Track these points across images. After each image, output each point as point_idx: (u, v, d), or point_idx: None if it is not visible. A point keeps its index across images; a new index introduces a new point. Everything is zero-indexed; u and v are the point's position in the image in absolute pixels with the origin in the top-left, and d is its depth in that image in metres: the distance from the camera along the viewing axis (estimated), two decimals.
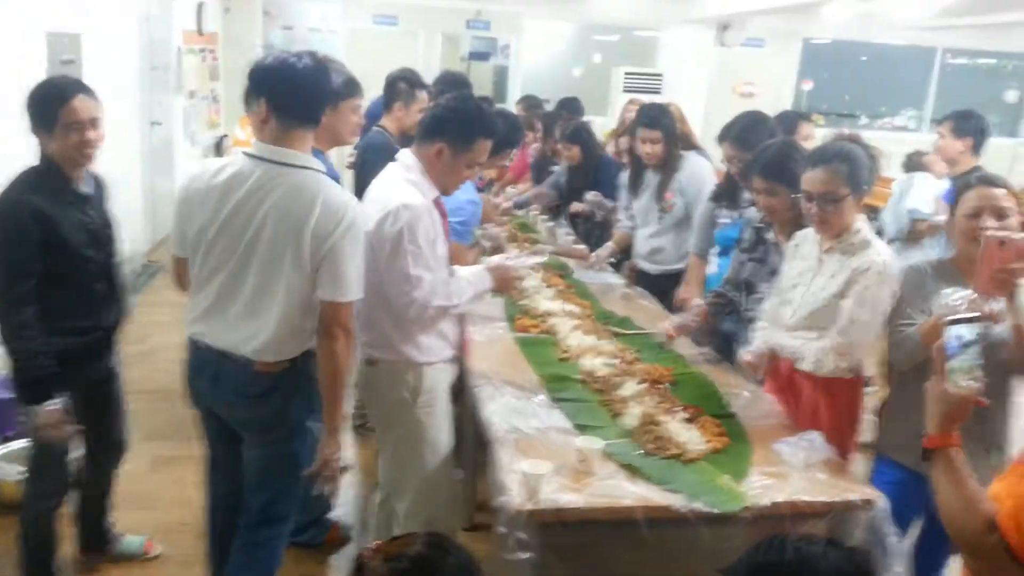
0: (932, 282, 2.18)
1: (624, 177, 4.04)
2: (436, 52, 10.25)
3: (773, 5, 8.43)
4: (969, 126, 3.60)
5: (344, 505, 3.20)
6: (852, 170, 2.30)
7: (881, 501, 1.99)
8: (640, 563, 1.97)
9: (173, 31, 6.94)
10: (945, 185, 4.21)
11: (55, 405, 2.28)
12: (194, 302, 2.19)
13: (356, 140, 3.24)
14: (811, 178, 2.33)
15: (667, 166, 3.67)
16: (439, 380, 2.47)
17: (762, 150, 2.71)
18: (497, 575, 1.86)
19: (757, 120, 3.18)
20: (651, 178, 3.78)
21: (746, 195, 3.10)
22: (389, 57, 9.65)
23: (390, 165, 2.46)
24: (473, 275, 2.50)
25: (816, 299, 2.38)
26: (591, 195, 4.44)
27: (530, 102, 5.84)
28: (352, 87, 2.86)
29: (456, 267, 2.53)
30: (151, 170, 6.79)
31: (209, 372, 2.17)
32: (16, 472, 3.00)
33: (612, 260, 4.10)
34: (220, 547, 2.38)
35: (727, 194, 3.26)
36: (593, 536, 1.93)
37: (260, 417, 2.18)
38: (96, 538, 2.83)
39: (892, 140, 11.37)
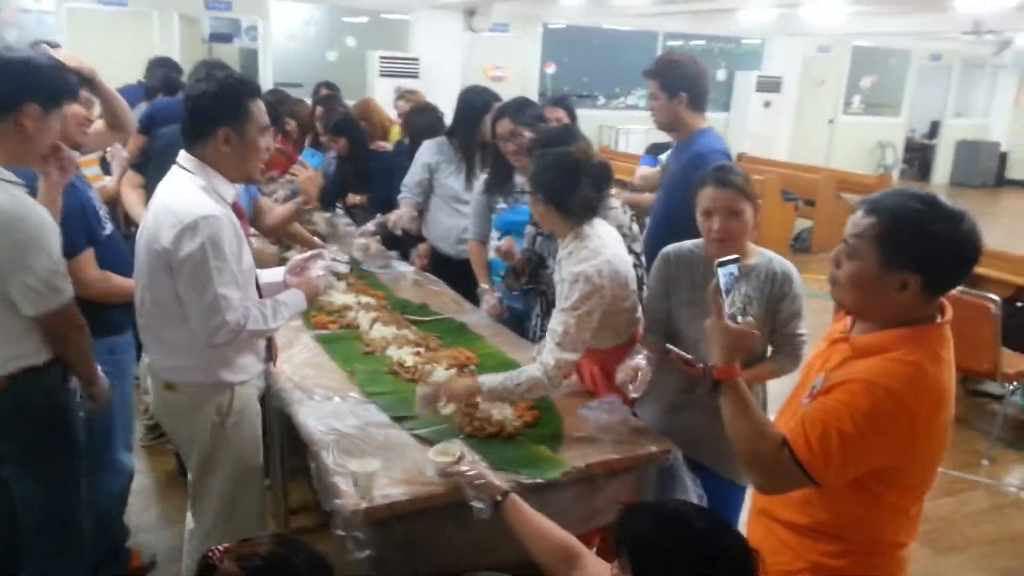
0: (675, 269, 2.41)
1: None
2: (174, 35, 9.48)
3: None
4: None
5: (145, 531, 2.97)
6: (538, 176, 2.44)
7: (676, 450, 2.24)
8: (475, 541, 2.04)
9: None
10: None
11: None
12: None
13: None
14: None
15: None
16: (250, 396, 2.35)
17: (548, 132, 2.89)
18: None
19: (527, 101, 3.37)
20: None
21: (518, 180, 3.26)
22: (120, 41, 8.83)
23: (173, 170, 2.21)
24: (289, 297, 2.36)
25: None
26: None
27: (277, 96, 5.46)
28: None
29: (265, 276, 2.42)
30: None
31: None
32: None
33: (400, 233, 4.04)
34: None
35: (498, 182, 3.40)
36: (428, 524, 1.97)
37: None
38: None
39: (626, 118, 12.50)
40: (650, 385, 2.35)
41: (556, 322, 2.29)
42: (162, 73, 4.96)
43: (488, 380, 2.28)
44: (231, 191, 2.22)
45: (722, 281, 1.65)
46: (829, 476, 1.51)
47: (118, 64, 6.17)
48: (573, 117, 3.94)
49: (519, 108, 3.23)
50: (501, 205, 3.37)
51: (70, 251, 2.25)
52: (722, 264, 1.67)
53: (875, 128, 14.92)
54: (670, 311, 2.42)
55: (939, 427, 1.54)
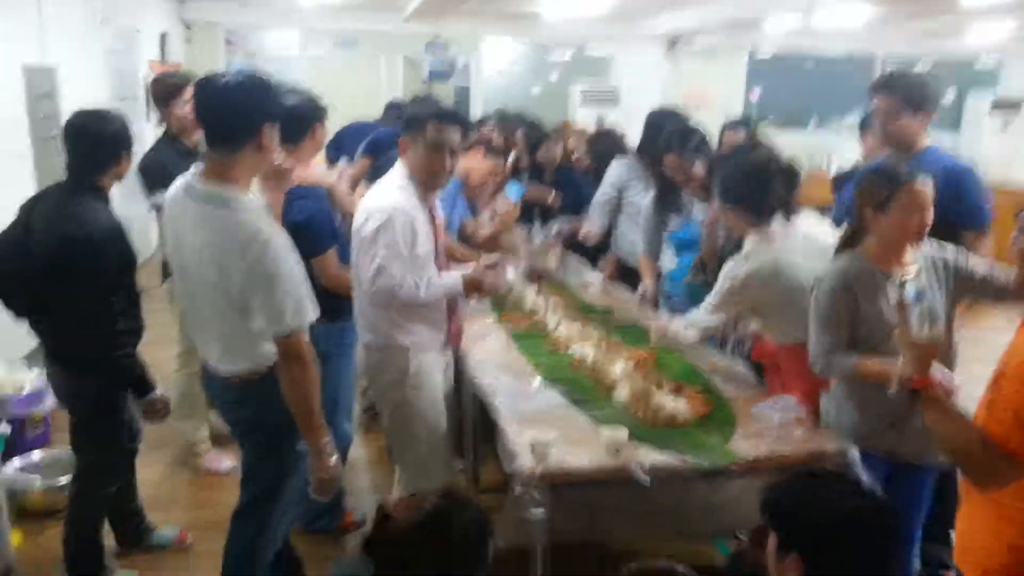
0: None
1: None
2: (398, 75, 10.48)
3: (718, 21, 8.82)
4: None
5: (355, 495, 3.36)
6: (721, 186, 2.66)
7: (851, 449, 2.22)
8: (641, 516, 2.16)
9: (139, 61, 7.06)
10: None
11: (159, 394, 2.61)
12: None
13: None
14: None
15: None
16: (426, 363, 2.67)
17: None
18: (512, 534, 2.05)
19: (688, 130, 3.46)
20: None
21: (685, 198, 3.42)
22: (353, 81, 9.92)
23: (392, 173, 2.67)
24: (447, 278, 2.68)
25: None
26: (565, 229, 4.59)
27: (501, 115, 6.01)
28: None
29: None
30: (128, 197, 6.86)
31: (207, 378, 2.37)
32: (38, 482, 3.22)
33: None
34: None
35: (667, 203, 3.53)
36: (598, 494, 2.12)
37: (238, 421, 2.32)
38: (132, 530, 3.00)
39: (844, 138, 11.92)
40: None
41: (711, 298, 2.63)
42: (395, 113, 5.69)
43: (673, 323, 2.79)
44: (417, 192, 2.60)
45: (910, 294, 1.71)
46: None
47: (352, 99, 7.01)
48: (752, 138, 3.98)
49: (683, 142, 3.35)
50: (673, 223, 3.49)
51: (319, 249, 2.74)
52: (905, 281, 1.73)
53: None
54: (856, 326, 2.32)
55: None
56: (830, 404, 2.41)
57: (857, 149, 5.05)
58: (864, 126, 4.21)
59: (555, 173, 4.89)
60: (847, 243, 2.33)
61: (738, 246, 2.91)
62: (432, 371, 2.71)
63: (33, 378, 3.70)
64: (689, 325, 2.72)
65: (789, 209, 2.62)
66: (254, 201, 2.12)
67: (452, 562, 1.58)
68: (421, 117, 2.60)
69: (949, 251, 2.31)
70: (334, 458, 2.16)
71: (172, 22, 8.83)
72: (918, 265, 2.24)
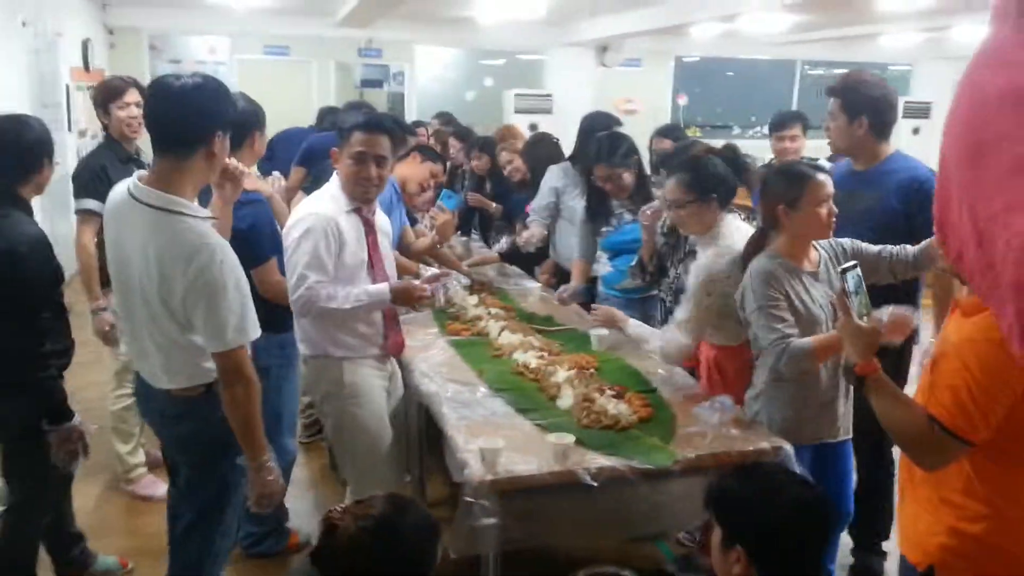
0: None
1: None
2: (330, 81, 10.37)
3: (646, 27, 9.03)
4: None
5: (299, 517, 3.31)
6: (696, 178, 2.62)
7: (787, 447, 2.32)
8: (589, 519, 2.22)
9: (61, 67, 6.81)
10: None
11: (76, 422, 2.44)
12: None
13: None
14: (666, 187, 2.70)
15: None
16: (363, 376, 2.68)
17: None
18: (463, 544, 2.08)
19: (616, 139, 3.52)
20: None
21: (614, 203, 3.50)
22: (284, 87, 9.77)
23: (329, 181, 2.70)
24: (374, 289, 2.65)
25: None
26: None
27: (445, 118, 6.17)
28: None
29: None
30: (50, 210, 6.61)
31: (142, 394, 2.29)
32: None
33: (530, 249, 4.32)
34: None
35: (598, 210, 3.60)
36: (547, 499, 2.17)
37: (177, 437, 2.23)
38: (75, 558, 2.89)
39: (764, 148, 12.31)
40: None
41: (680, 313, 2.58)
42: (331, 119, 5.66)
43: (633, 325, 2.79)
44: (349, 203, 2.64)
45: (850, 284, 1.80)
46: (979, 431, 1.55)
47: (282, 106, 6.92)
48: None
49: (612, 150, 3.42)
50: (606, 228, 3.57)
51: (260, 258, 2.71)
52: (846, 270, 1.82)
53: None
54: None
55: None
56: (758, 403, 2.51)
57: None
58: (774, 129, 4.43)
59: (492, 182, 4.95)
60: (756, 245, 2.47)
61: (675, 247, 3.01)
62: (371, 383, 2.71)
63: None
64: (666, 348, 2.65)
65: (732, 194, 2.72)
66: (202, 211, 2.06)
67: (401, 565, 1.60)
68: (347, 126, 2.63)
69: (845, 241, 2.52)
70: (275, 473, 2.13)
71: (95, 27, 8.55)
72: (826, 256, 2.45)
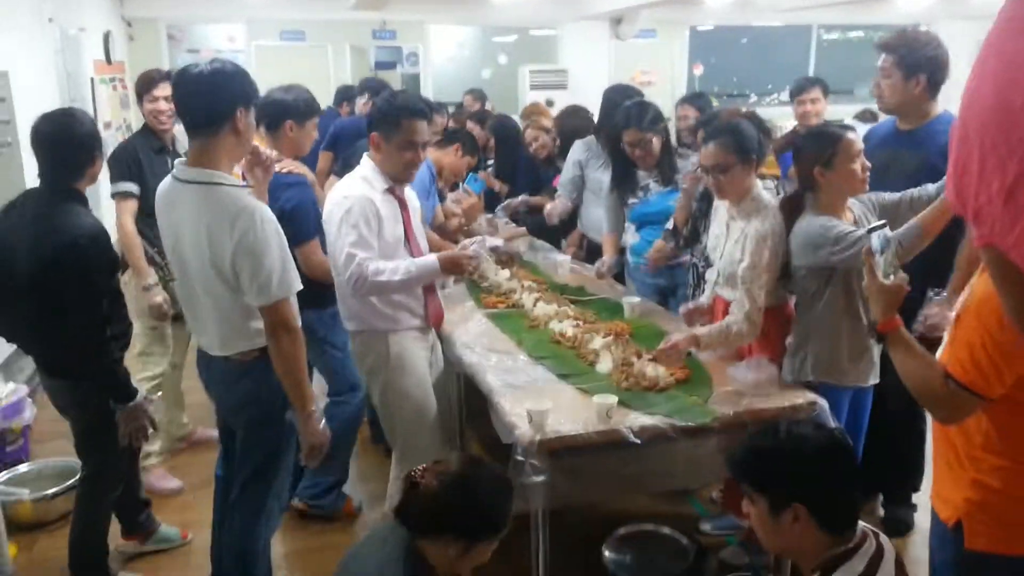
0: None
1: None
2: (346, 64, 10.43)
3: None
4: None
5: (347, 486, 3.44)
6: (737, 141, 2.61)
7: (821, 401, 2.41)
8: (632, 476, 2.32)
9: (85, 62, 6.93)
10: None
11: (140, 400, 2.58)
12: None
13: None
14: (705, 153, 2.67)
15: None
16: (407, 346, 2.78)
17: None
18: (516, 500, 2.18)
19: (644, 105, 3.54)
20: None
21: (640, 175, 3.52)
22: (301, 71, 9.83)
23: (359, 166, 2.78)
24: (422, 260, 2.74)
25: (729, 264, 2.68)
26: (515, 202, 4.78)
27: (477, 94, 6.28)
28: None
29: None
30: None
31: (203, 365, 2.45)
32: (27, 494, 3.24)
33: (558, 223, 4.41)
34: (221, 522, 2.63)
35: (624, 181, 3.64)
36: (592, 457, 2.27)
37: (236, 399, 2.38)
38: (137, 525, 3.06)
39: (783, 115, 12.26)
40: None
41: (749, 276, 2.54)
42: (344, 95, 5.83)
43: (702, 331, 2.64)
44: (382, 184, 2.70)
45: (875, 243, 1.85)
46: (992, 387, 1.59)
47: None
48: (704, 113, 4.14)
49: (640, 116, 3.45)
50: (632, 200, 3.63)
51: (303, 238, 2.83)
52: (873, 229, 1.88)
53: None
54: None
55: None
56: (798, 355, 2.59)
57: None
58: (795, 94, 4.45)
59: (507, 159, 5.02)
60: (793, 207, 2.55)
61: (707, 213, 3.07)
62: (414, 353, 2.80)
63: (10, 391, 3.70)
64: (749, 317, 2.55)
65: (762, 157, 2.76)
66: (239, 181, 2.27)
67: (479, 517, 1.71)
68: (394, 115, 2.66)
69: (871, 196, 2.59)
70: (322, 424, 2.31)
71: (114, 20, 8.66)
72: (859, 213, 2.55)
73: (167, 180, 2.29)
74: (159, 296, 3.34)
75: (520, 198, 4.68)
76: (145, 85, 3.51)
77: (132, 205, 3.34)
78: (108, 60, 7.71)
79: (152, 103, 3.48)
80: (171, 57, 9.66)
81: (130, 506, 3.00)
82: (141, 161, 3.39)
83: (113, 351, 2.54)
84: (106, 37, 7.67)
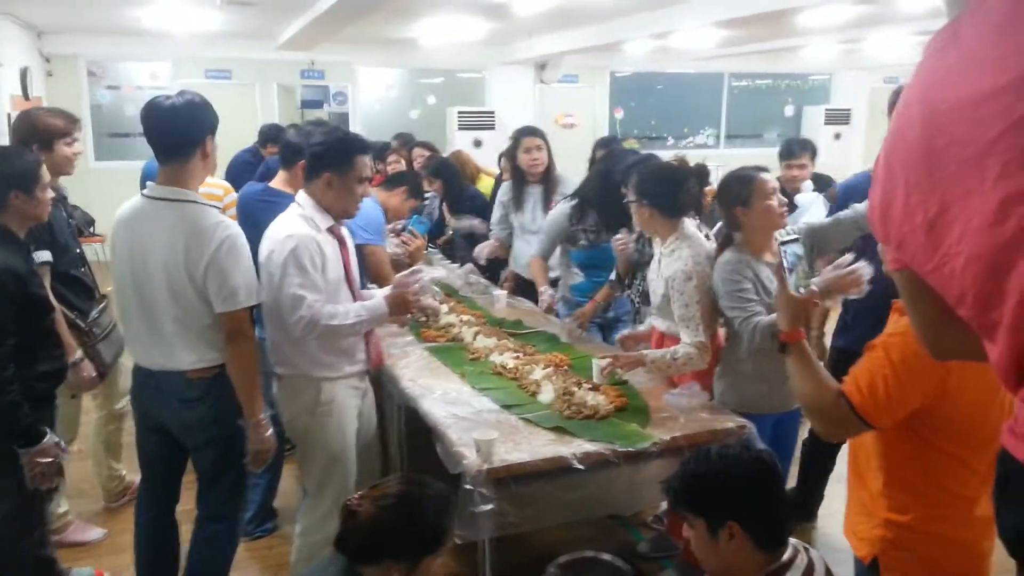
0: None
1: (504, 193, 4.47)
2: (273, 103, 10.38)
3: (582, 45, 9.34)
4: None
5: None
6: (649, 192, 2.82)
7: (750, 424, 2.56)
8: (576, 501, 2.40)
9: (2, 98, 6.73)
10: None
11: (48, 443, 2.38)
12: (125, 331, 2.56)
13: None
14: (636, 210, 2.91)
15: (549, 180, 4.24)
16: (338, 394, 2.69)
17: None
18: (465, 529, 2.23)
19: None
20: (534, 190, 4.29)
21: (591, 218, 3.65)
22: (227, 110, 9.73)
23: (290, 206, 2.70)
24: (371, 303, 2.73)
25: (656, 296, 2.92)
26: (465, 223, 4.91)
27: (404, 139, 6.38)
28: None
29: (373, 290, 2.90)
30: None
31: (148, 385, 2.49)
32: None
33: (484, 263, 4.62)
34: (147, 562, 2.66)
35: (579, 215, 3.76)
36: (539, 484, 2.34)
37: (198, 419, 2.45)
38: (48, 573, 2.84)
39: (696, 156, 12.78)
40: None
41: (685, 314, 2.72)
42: (270, 135, 5.81)
43: (650, 353, 2.80)
44: (325, 223, 2.65)
45: (787, 258, 2.00)
46: (881, 418, 1.71)
47: (226, 128, 6.94)
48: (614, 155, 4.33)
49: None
50: (583, 242, 3.73)
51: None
52: (785, 243, 2.02)
53: None
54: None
55: (975, 373, 1.61)
56: (722, 383, 2.78)
57: (713, 165, 5.45)
58: (784, 156, 4.46)
59: (454, 200, 5.14)
60: (723, 246, 2.74)
61: (642, 253, 3.25)
62: (344, 402, 2.71)
63: None
64: (691, 353, 2.70)
65: (699, 208, 2.95)
66: (207, 200, 2.47)
67: (423, 537, 1.73)
68: (349, 152, 2.65)
69: (799, 225, 2.77)
70: (270, 432, 2.51)
71: (31, 55, 8.42)
72: (792, 232, 2.72)
73: (133, 201, 2.46)
74: (86, 372, 3.05)
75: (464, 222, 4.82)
76: (62, 130, 3.12)
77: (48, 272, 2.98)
78: (26, 96, 7.50)
79: (69, 146, 3.14)
80: (91, 93, 9.44)
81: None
82: (50, 221, 2.88)
83: (9, 391, 2.31)
84: (23, 73, 7.46)
